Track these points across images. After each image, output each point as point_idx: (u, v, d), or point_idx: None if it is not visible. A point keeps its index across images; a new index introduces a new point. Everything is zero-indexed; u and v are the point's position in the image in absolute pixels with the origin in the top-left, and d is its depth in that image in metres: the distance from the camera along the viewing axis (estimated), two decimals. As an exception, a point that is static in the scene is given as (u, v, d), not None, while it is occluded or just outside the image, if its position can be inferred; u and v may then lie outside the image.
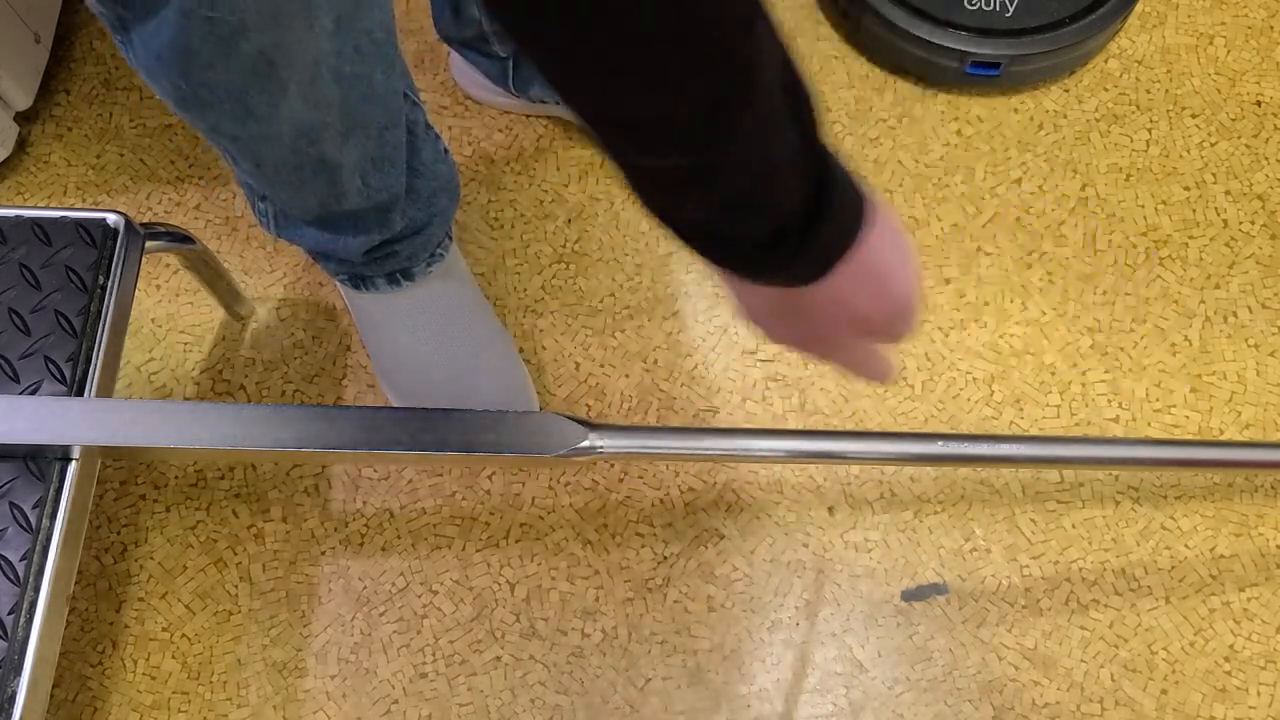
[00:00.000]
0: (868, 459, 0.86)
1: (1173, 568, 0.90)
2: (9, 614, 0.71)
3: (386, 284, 0.88)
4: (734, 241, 0.45)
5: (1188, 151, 1.06)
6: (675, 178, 0.41)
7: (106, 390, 0.81)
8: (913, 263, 0.49)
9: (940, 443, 0.78)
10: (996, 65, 1.04)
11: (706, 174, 0.41)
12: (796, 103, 0.42)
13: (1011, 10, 1.05)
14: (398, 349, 0.91)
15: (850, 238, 0.45)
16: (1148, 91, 1.09)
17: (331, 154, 0.70)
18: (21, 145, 1.04)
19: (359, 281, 0.88)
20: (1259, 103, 1.09)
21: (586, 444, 0.75)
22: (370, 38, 0.65)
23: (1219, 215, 1.04)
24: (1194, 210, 1.04)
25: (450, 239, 0.90)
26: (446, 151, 0.86)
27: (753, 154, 0.40)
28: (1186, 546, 0.91)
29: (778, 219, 0.43)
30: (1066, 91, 1.09)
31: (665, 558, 0.90)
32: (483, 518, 0.91)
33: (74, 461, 0.76)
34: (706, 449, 0.77)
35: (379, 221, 0.80)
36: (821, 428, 0.94)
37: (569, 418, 0.75)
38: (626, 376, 0.96)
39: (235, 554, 0.90)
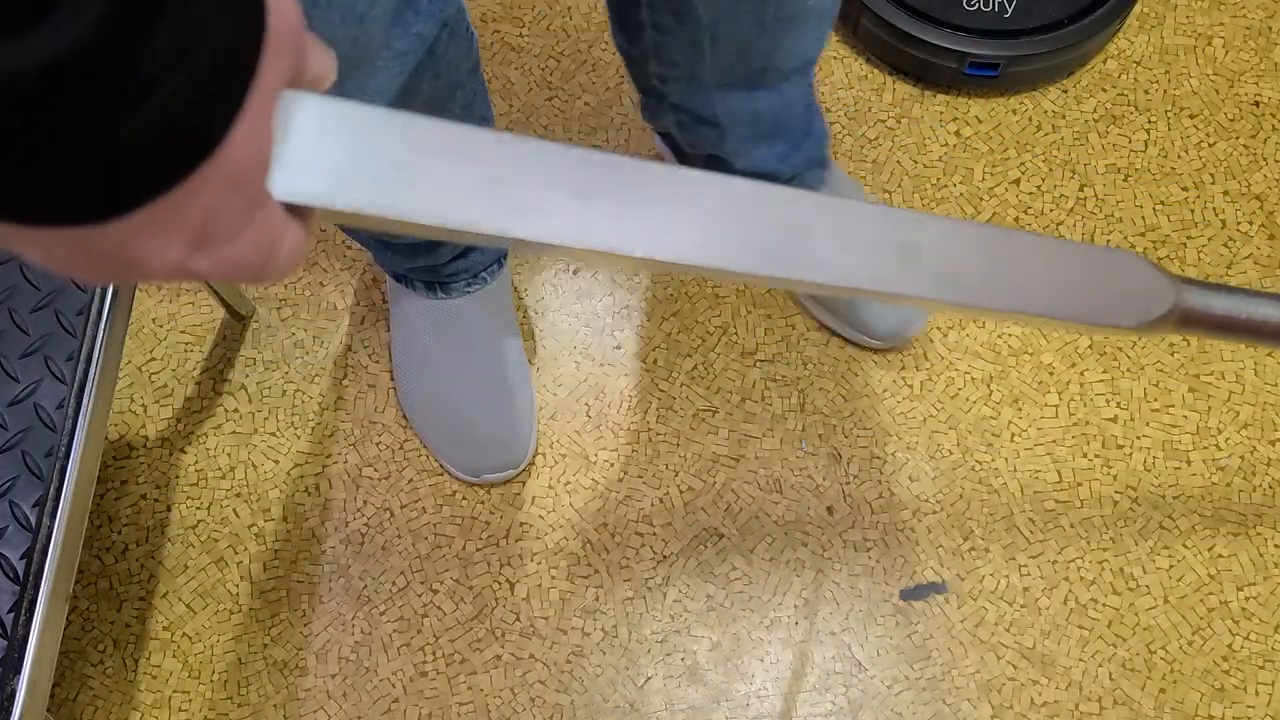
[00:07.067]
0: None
1: (1171, 567, 0.90)
2: (9, 612, 0.71)
3: (425, 290, 0.91)
4: None
5: (1186, 152, 1.07)
6: None
7: (107, 391, 0.82)
8: None
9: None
10: (995, 66, 1.04)
11: None
12: None
13: (1010, 11, 1.05)
14: (417, 350, 0.92)
15: None
16: (1146, 92, 1.09)
17: None
18: (22, 146, 1.05)
19: (401, 278, 0.91)
20: (1257, 103, 1.09)
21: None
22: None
23: (1217, 215, 1.04)
24: (1192, 211, 1.04)
25: (501, 266, 0.92)
26: None
27: None
28: (1185, 546, 0.91)
29: None
30: (1065, 92, 1.09)
31: (665, 557, 0.90)
32: (483, 517, 0.91)
33: (74, 460, 0.76)
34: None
35: (428, 249, 0.84)
36: (820, 426, 0.95)
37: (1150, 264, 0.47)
38: (626, 376, 0.97)
39: (236, 553, 0.90)
